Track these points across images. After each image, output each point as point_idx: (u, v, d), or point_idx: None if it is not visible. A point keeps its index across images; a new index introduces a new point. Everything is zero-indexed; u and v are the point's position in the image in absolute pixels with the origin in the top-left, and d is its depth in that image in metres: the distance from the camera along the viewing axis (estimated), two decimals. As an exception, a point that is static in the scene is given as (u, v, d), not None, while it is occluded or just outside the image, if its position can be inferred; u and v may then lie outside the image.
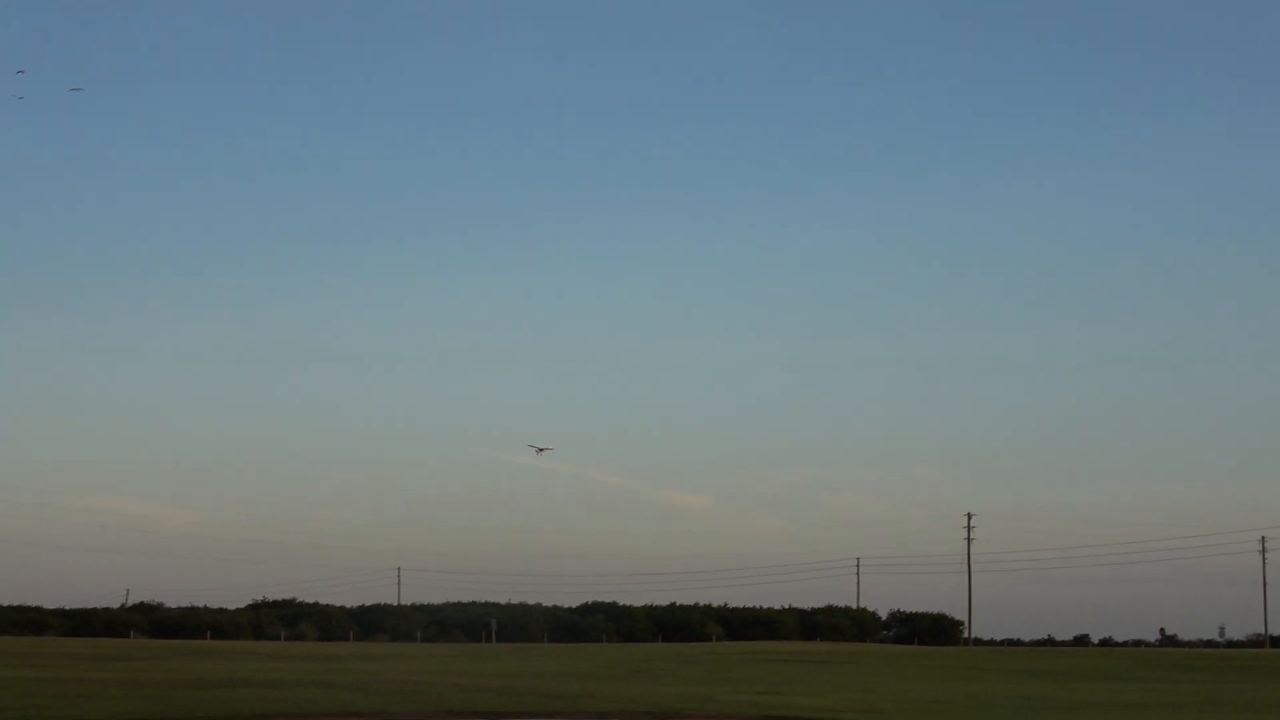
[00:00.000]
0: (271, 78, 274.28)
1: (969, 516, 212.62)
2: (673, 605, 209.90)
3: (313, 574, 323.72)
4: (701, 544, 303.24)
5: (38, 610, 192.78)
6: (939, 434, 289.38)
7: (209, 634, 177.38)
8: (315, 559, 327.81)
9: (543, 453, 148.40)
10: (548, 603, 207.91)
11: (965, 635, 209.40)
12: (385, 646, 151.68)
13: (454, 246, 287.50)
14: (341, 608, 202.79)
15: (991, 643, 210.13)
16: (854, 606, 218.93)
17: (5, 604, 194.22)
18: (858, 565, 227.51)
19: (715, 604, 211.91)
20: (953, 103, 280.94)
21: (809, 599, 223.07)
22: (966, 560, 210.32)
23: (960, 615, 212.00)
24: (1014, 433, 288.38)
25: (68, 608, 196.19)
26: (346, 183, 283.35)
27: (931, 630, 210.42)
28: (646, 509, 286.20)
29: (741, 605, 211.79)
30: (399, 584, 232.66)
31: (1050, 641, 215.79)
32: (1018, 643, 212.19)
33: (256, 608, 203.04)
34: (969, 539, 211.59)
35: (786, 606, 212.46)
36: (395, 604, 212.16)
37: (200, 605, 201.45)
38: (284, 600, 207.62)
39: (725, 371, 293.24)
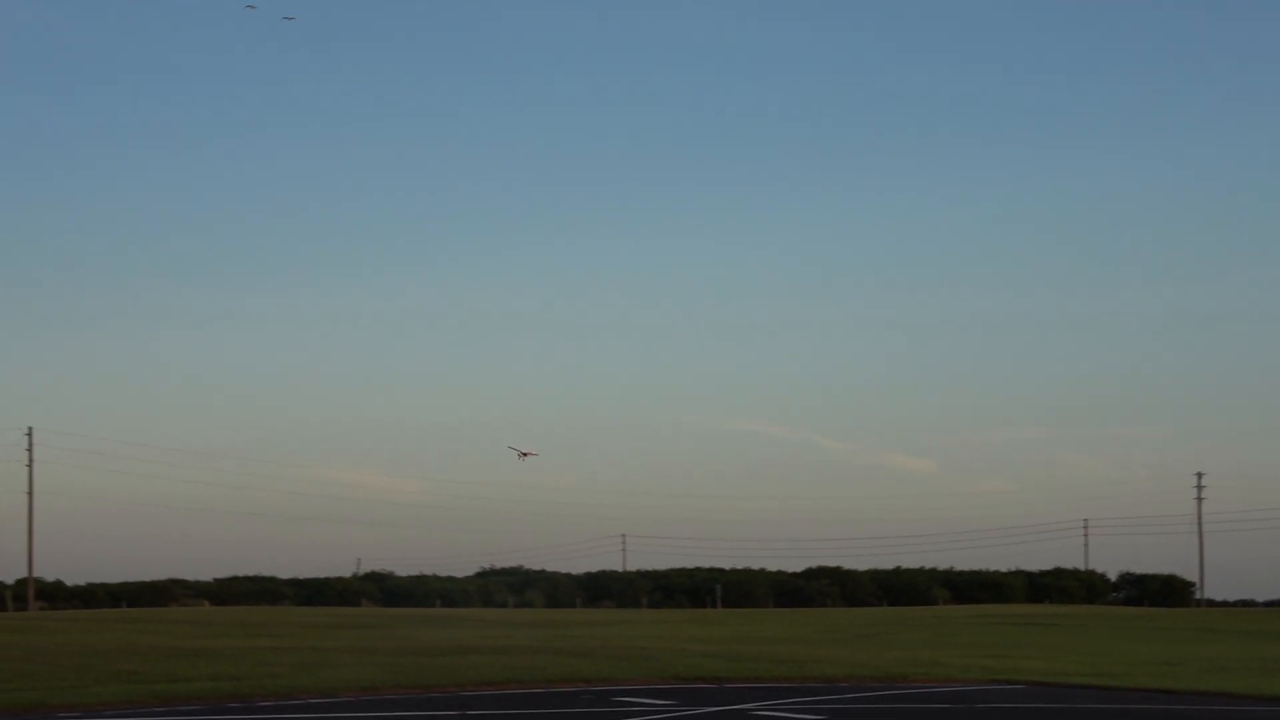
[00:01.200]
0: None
1: (1199, 476, 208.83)
2: (897, 569, 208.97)
3: (539, 541, 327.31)
4: (925, 507, 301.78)
5: (273, 580, 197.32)
6: (1166, 392, 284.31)
7: (438, 602, 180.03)
8: (542, 527, 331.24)
9: (525, 457, 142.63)
10: (772, 568, 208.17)
11: (1197, 596, 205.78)
12: (611, 613, 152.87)
13: (673, 208, 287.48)
14: (568, 574, 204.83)
15: (1225, 604, 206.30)
16: (1082, 568, 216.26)
17: (243, 574, 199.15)
18: (1085, 527, 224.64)
19: (941, 567, 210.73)
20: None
21: (1036, 561, 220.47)
22: (1197, 520, 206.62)
23: (1191, 576, 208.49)
24: (1244, 390, 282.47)
25: (302, 577, 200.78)
26: (554, 138, 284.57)
27: (1162, 592, 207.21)
28: (869, 473, 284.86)
29: (967, 568, 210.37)
30: (624, 551, 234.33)
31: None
32: (1251, 603, 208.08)
33: (484, 575, 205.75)
34: (1199, 499, 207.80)
35: (1014, 569, 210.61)
36: (620, 570, 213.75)
37: (429, 573, 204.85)
38: (511, 568, 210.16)
39: (944, 333, 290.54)
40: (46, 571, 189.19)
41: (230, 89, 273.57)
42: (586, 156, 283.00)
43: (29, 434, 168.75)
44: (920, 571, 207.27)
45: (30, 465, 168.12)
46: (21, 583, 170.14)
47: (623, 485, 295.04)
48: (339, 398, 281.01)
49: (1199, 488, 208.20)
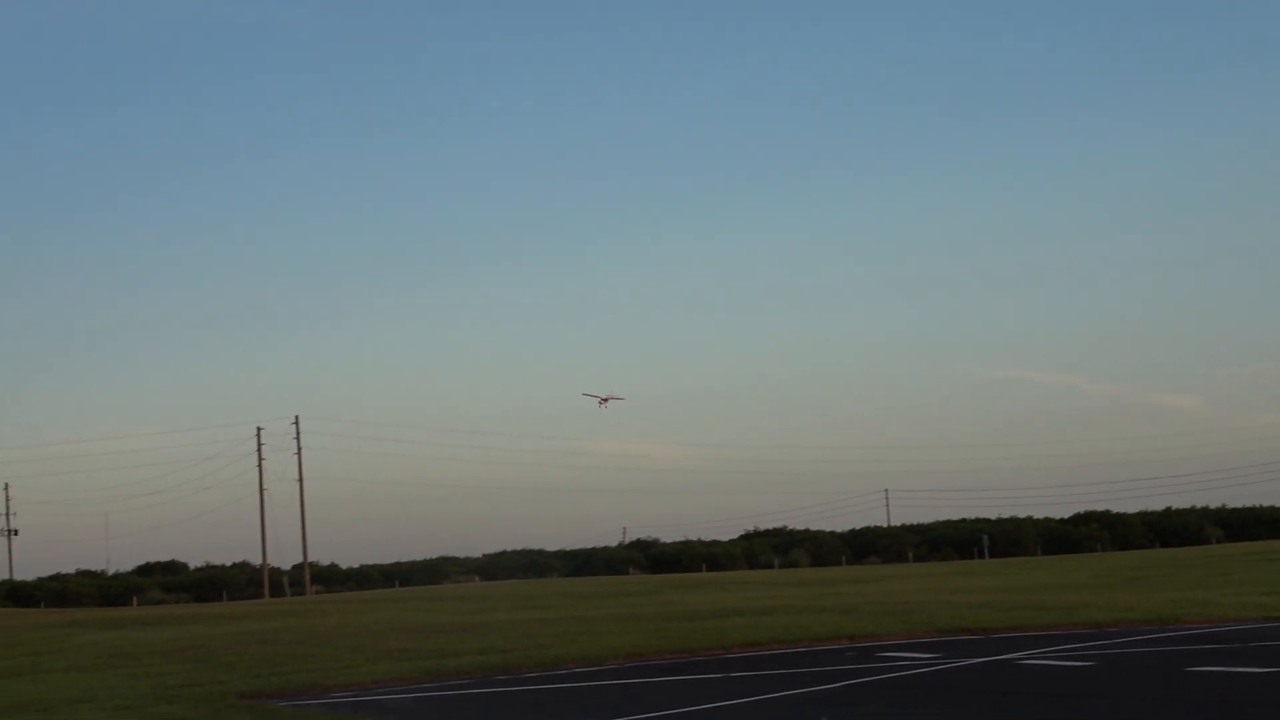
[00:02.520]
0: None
1: None
2: (1168, 510, 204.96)
3: (802, 501, 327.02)
4: (1194, 445, 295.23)
5: (541, 553, 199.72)
6: None
7: (704, 566, 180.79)
8: (804, 486, 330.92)
9: (606, 403, 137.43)
10: (1039, 515, 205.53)
11: None
12: (876, 569, 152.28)
13: (924, 149, 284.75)
14: (832, 533, 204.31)
15: None
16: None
17: (512, 549, 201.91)
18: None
19: (1213, 506, 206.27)
20: None
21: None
22: None
23: None
24: None
25: (569, 549, 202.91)
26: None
27: None
28: (1134, 414, 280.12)
29: (1241, 505, 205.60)
30: (888, 506, 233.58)
31: None
32: None
33: (749, 538, 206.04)
34: None
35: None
36: (885, 525, 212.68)
37: (694, 539, 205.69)
38: (775, 529, 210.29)
39: (1203, 266, 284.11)
40: (321, 556, 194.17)
41: (465, 68, 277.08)
42: (837, 94, 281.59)
43: (296, 422, 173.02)
44: (1191, 511, 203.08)
45: (299, 453, 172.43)
46: (298, 568, 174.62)
47: (884, 440, 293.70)
48: (600, 370, 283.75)
49: None
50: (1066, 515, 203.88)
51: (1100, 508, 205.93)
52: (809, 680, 34.99)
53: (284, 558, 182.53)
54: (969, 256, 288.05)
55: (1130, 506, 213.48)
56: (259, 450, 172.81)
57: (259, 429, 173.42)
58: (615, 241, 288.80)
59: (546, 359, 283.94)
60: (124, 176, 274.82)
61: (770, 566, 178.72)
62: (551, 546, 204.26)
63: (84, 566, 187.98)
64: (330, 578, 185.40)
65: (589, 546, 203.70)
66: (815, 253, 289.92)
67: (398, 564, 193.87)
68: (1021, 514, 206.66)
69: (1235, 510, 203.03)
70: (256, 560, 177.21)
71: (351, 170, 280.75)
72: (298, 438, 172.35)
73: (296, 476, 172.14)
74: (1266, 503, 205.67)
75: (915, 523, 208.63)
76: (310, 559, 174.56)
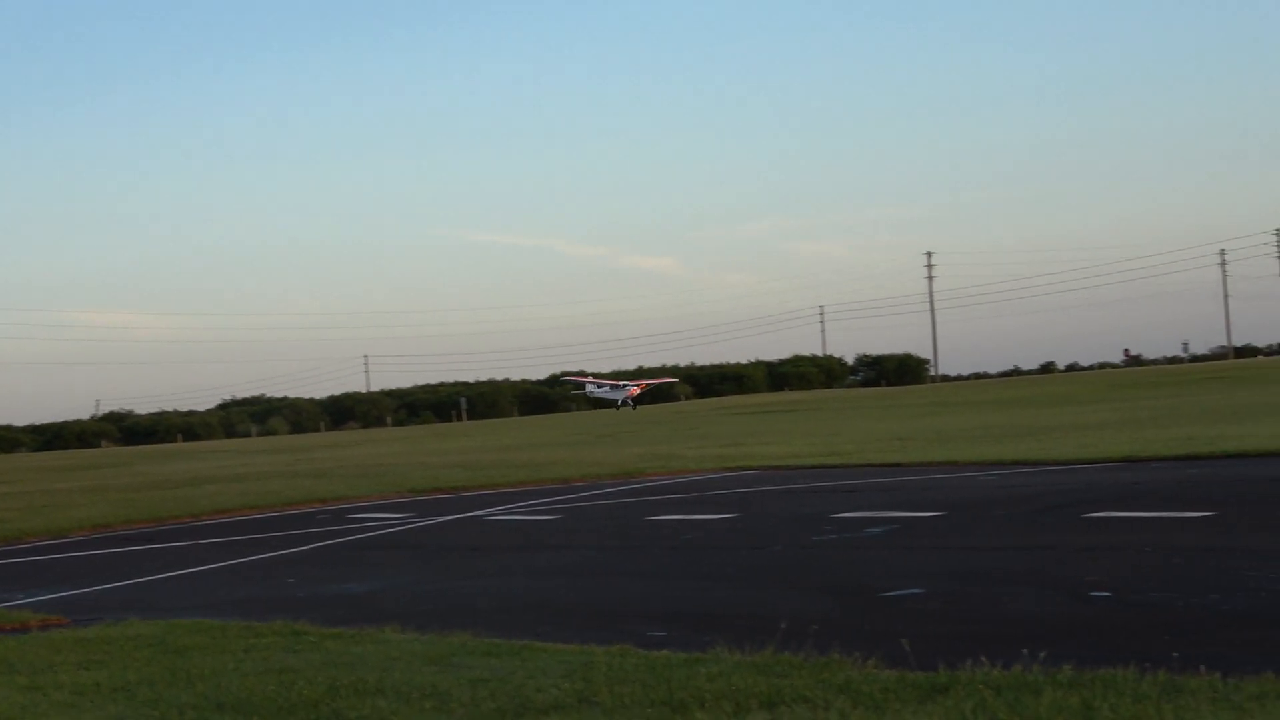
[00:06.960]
0: None
1: (929, 255, 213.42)
2: (640, 369, 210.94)
3: (281, 369, 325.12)
4: (668, 305, 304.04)
5: (8, 428, 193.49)
6: (897, 171, 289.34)
7: (180, 437, 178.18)
8: (282, 353, 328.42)
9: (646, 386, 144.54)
10: (516, 377, 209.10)
11: (931, 373, 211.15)
12: (354, 434, 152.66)
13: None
14: (311, 400, 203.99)
15: (959, 378, 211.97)
16: (820, 354, 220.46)
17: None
18: (821, 313, 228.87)
19: (683, 364, 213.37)
20: None
21: (777, 351, 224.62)
22: (929, 299, 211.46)
23: (926, 354, 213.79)
24: (970, 166, 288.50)
25: (38, 423, 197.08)
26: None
27: (898, 371, 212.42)
28: (610, 277, 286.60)
29: (708, 363, 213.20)
30: (367, 372, 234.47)
31: (1017, 372, 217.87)
32: (985, 376, 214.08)
33: (226, 407, 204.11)
34: (930, 277, 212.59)
35: (753, 360, 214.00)
36: (364, 391, 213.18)
37: (170, 409, 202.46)
38: (253, 397, 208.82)
39: (682, 128, 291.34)
40: None
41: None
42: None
43: None
44: (662, 369, 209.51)
45: None
46: None
47: (363, 306, 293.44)
48: (67, 235, 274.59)
49: (929, 266, 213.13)
50: (543, 377, 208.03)
51: (576, 369, 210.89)
52: (277, 544, 34.88)
53: None
54: (447, 122, 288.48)
55: (605, 367, 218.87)
56: None
57: None
58: (77, 97, 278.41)
59: (16, 221, 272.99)
60: None
61: (248, 435, 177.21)
62: (20, 421, 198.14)
63: None
64: None
65: (59, 420, 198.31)
66: (294, 117, 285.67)
67: None
68: (500, 377, 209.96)
69: (703, 368, 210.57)
70: None
71: None
72: None
73: None
74: (730, 360, 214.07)
75: (395, 388, 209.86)
76: None
